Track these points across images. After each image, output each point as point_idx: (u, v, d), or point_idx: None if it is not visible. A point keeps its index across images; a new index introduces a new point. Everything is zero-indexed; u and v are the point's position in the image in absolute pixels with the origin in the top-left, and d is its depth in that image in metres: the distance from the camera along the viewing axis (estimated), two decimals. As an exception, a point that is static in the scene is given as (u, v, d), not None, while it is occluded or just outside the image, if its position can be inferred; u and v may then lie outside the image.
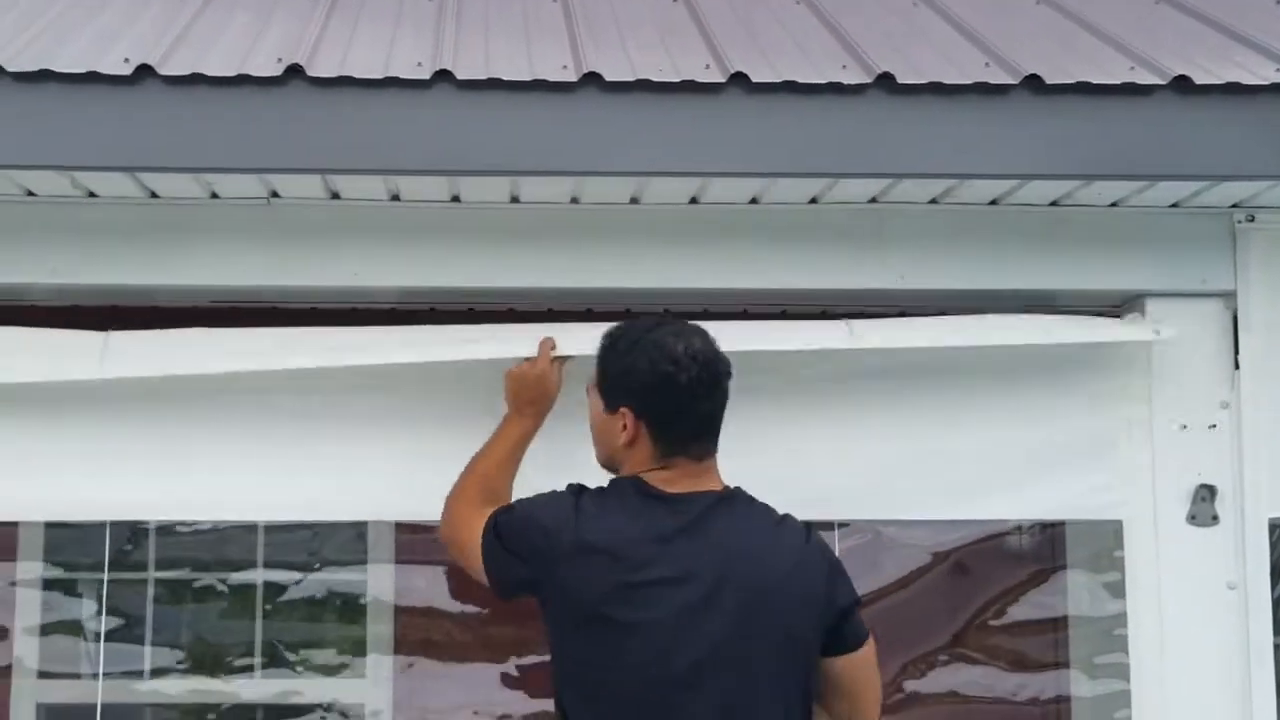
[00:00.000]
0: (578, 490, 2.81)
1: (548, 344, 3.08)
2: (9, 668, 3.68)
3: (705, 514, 2.74)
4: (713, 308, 3.55)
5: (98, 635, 3.70)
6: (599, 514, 2.74)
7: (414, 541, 3.73)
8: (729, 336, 2.85)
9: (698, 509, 2.74)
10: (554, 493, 2.83)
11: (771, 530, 2.79)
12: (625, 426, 2.78)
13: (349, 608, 3.78)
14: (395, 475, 3.26)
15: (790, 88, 2.97)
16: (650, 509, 2.73)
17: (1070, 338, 3.26)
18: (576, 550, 2.69)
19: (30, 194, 3.19)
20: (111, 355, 3.12)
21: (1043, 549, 3.73)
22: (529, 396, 3.05)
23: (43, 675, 3.70)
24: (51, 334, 3.19)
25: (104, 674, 3.55)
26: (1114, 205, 3.29)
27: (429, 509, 3.29)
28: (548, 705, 2.76)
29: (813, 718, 2.74)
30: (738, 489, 2.81)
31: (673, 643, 2.64)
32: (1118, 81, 3.02)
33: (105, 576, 3.45)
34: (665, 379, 2.75)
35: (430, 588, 3.74)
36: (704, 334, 2.82)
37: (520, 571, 2.74)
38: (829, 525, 3.43)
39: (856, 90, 2.98)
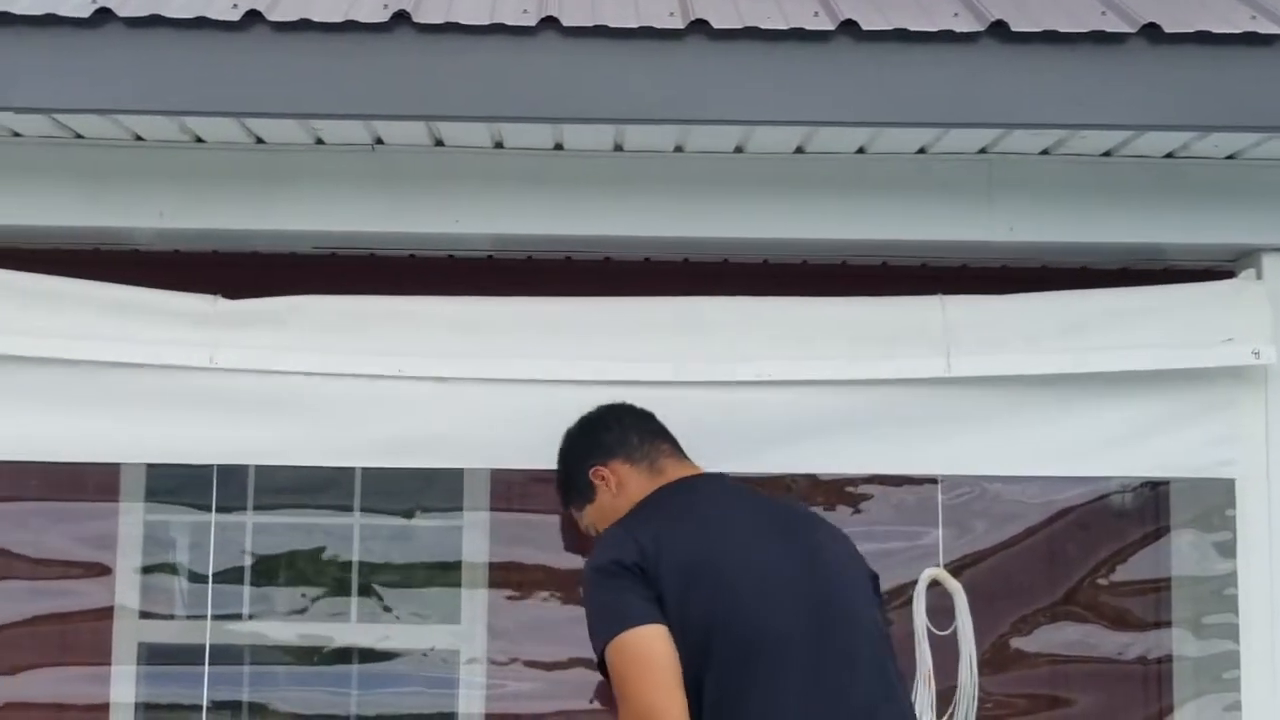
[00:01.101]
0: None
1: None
2: (111, 609, 3.73)
3: (722, 484, 2.96)
4: (812, 259, 3.54)
5: (196, 576, 3.73)
6: (650, 505, 2.90)
7: (510, 490, 3.74)
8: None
9: (712, 479, 2.96)
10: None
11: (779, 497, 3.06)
12: (606, 480, 2.97)
13: (445, 555, 3.80)
14: (491, 423, 3.27)
15: (901, 35, 2.92)
16: (677, 491, 2.91)
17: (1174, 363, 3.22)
18: (656, 520, 2.82)
19: (139, 138, 3.22)
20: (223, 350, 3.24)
21: (1148, 507, 3.67)
22: None
23: (144, 615, 3.75)
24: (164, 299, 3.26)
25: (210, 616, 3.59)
26: (1230, 158, 3.22)
27: (525, 457, 3.31)
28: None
29: None
30: None
31: (766, 564, 2.76)
32: (1238, 31, 2.94)
33: (213, 519, 3.49)
34: (596, 420, 3.06)
35: (525, 536, 3.74)
36: None
37: (630, 560, 2.75)
38: (931, 479, 3.42)
39: (969, 38, 2.92)
